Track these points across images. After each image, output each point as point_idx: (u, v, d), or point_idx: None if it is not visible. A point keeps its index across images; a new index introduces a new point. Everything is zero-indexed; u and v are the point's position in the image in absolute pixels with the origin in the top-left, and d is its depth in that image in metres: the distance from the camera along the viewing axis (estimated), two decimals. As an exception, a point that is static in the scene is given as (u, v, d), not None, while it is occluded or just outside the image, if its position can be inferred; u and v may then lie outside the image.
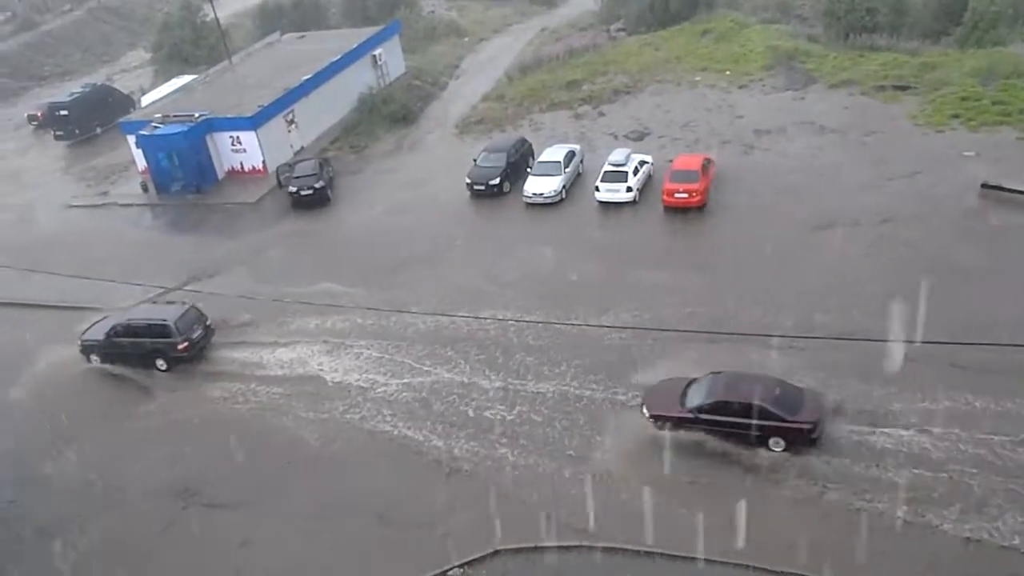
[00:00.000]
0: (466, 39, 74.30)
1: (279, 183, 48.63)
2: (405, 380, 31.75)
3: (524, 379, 30.66)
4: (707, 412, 26.16)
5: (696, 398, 26.63)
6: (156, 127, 50.90)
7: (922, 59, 50.95)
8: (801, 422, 25.27)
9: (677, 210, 39.54)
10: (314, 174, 46.93)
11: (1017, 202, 35.67)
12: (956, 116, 43.74)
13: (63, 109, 62.78)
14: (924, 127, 43.65)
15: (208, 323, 35.44)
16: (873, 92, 48.13)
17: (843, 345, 28.09)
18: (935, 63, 50.09)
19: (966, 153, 40.39)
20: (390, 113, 56.34)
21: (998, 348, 26.00)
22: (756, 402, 25.44)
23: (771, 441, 25.53)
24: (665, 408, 26.92)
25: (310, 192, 46.42)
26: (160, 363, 34.50)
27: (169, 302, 37.46)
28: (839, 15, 57.00)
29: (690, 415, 26.39)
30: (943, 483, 23.66)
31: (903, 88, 47.92)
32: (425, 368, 32.16)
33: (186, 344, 33.94)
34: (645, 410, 27.25)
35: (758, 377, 26.95)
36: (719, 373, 27.35)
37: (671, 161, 41.81)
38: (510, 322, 33.05)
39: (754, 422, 25.39)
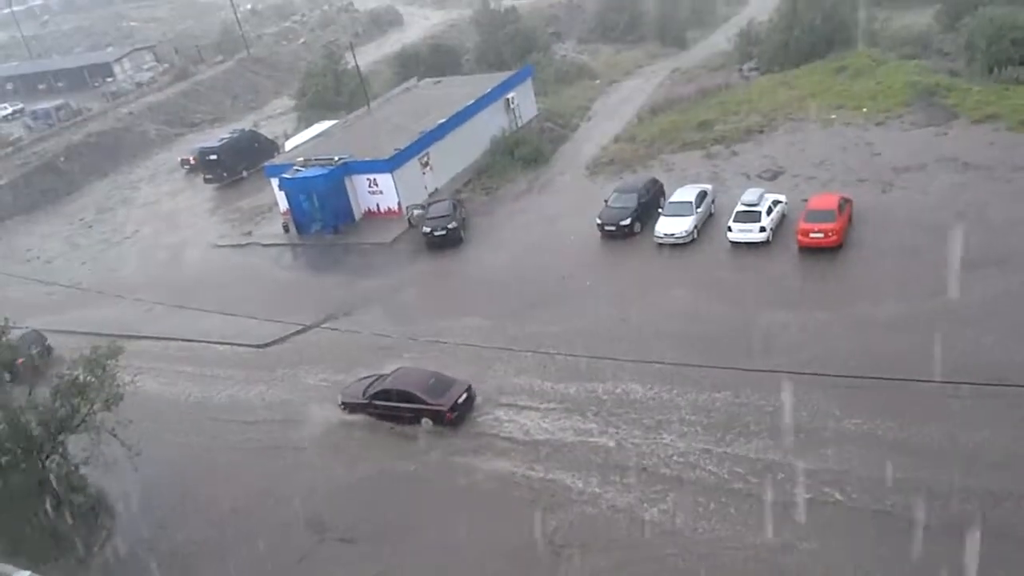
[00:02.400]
0: (597, 82, 75.01)
1: (409, 223, 49.99)
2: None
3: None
4: (376, 399, 33.50)
5: (372, 388, 33.79)
6: (298, 170, 52.98)
7: (1074, 92, 48.80)
8: (440, 405, 32.20)
9: (813, 250, 38.76)
10: (448, 215, 48.03)
11: None
12: (1113, 151, 41.72)
13: (213, 154, 66.09)
14: (1076, 162, 41.77)
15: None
16: (1020, 127, 46.24)
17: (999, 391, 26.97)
18: (1089, 96, 47.90)
19: (1126, 190, 38.41)
20: (522, 155, 57.23)
21: None
22: (408, 390, 32.93)
23: (423, 420, 32.68)
24: (351, 397, 34.33)
25: (443, 232, 47.48)
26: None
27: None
28: (982, 48, 55.19)
29: (365, 401, 33.63)
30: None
31: (1052, 122, 45.97)
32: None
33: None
34: (340, 398, 34.60)
35: (423, 371, 34.13)
36: (398, 368, 34.59)
37: (806, 200, 41.11)
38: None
39: (405, 405, 32.84)
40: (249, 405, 37.40)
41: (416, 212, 50.56)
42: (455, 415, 32.36)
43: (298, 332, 41.58)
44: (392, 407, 33.18)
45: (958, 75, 55.59)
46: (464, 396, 32.83)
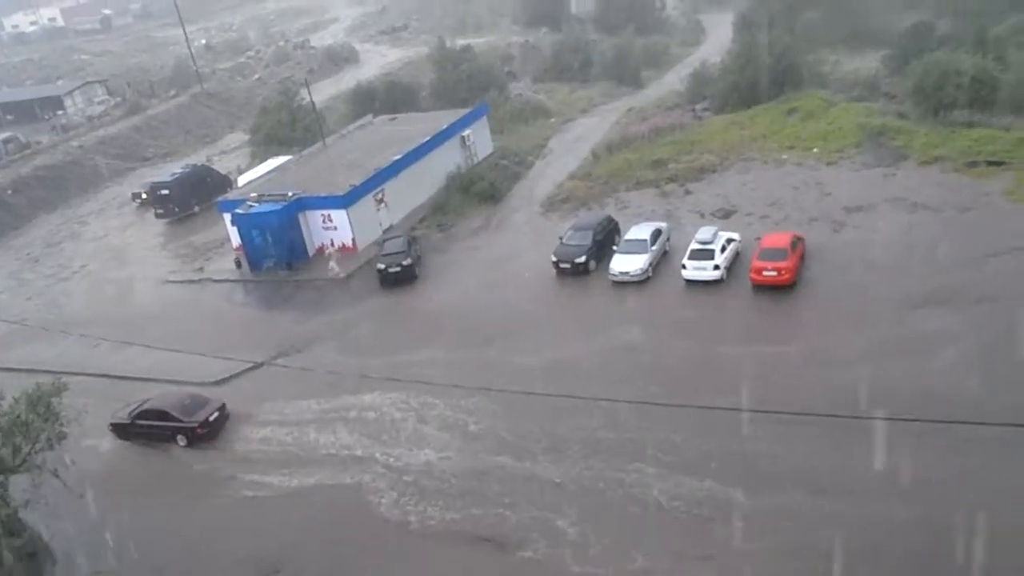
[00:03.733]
0: (553, 120, 75.46)
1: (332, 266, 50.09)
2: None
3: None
4: (138, 419, 36.28)
5: (136, 410, 36.55)
6: (251, 206, 52.50)
7: (1016, 134, 49.95)
8: (192, 422, 35.41)
9: (766, 288, 39.08)
10: (402, 251, 47.79)
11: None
12: (1055, 192, 42.70)
13: (164, 188, 65.26)
14: (1020, 203, 42.60)
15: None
16: (966, 168, 47.30)
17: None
18: (1030, 138, 49.12)
19: (1067, 231, 39.27)
20: (477, 192, 57.24)
21: None
22: (164, 409, 35.94)
23: (178, 437, 35.72)
24: (119, 419, 36.85)
25: (398, 269, 47.20)
26: None
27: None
28: (928, 92, 56.41)
29: (129, 422, 36.36)
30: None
31: (997, 164, 47.00)
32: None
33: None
34: (110, 420, 36.99)
35: (182, 392, 37.32)
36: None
37: (759, 239, 41.52)
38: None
39: (161, 424, 35.86)
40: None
41: (332, 253, 50.43)
42: (205, 431, 35.66)
43: (250, 369, 40.96)
44: (150, 426, 36.20)
45: (906, 118, 56.69)
46: (216, 414, 36.12)
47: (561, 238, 46.02)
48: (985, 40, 67.65)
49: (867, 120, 55.98)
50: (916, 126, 54.19)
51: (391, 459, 32.63)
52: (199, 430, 35.62)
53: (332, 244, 52.50)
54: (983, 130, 51.49)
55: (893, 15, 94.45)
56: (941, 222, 42.56)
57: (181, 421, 35.67)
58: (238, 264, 53.24)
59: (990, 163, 47.19)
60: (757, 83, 65.26)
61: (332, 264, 49.63)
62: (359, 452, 33.50)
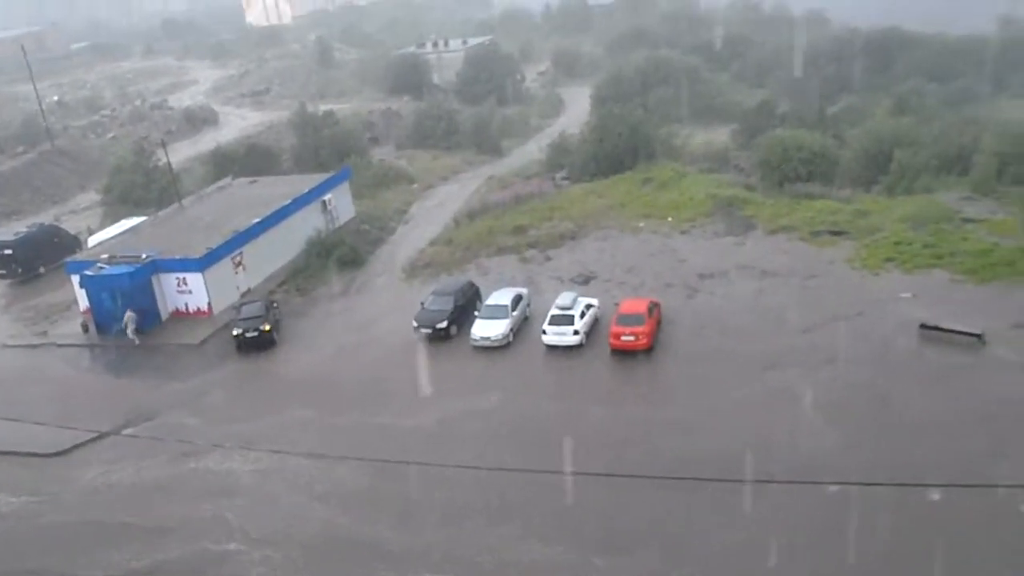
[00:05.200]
0: (415, 186, 75.80)
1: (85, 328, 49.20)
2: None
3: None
4: None
5: None
6: (102, 267, 50.63)
7: (855, 206, 53.13)
8: None
9: (624, 353, 39.87)
10: (260, 316, 46.79)
11: (954, 342, 36.67)
12: (891, 259, 45.31)
13: (7, 248, 62.22)
14: (861, 270, 45.06)
15: None
16: (810, 237, 49.75)
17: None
18: (867, 210, 52.32)
19: (903, 295, 41.62)
20: (338, 256, 56.67)
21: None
22: None
23: None
24: None
25: (255, 334, 46.16)
26: None
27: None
28: (773, 165, 59.42)
29: None
30: None
31: (838, 233, 49.67)
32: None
33: None
34: None
35: None
36: None
37: (617, 304, 42.42)
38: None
39: None
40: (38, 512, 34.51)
41: (130, 316, 48.96)
42: None
43: (94, 439, 39.06)
44: None
45: (754, 189, 59.46)
46: None
47: (422, 303, 45.95)
48: (824, 118, 72.15)
49: (718, 191, 58.33)
50: (763, 197, 56.91)
51: (240, 527, 31.56)
52: None
53: (187, 308, 51.07)
54: (825, 201, 54.50)
55: (740, 93, 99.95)
56: (789, 288, 44.48)
57: None
58: (85, 328, 51.03)
59: (832, 233, 49.80)
60: (614, 154, 67.37)
61: (129, 332, 48.52)
62: (206, 517, 32.29)
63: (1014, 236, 45.67)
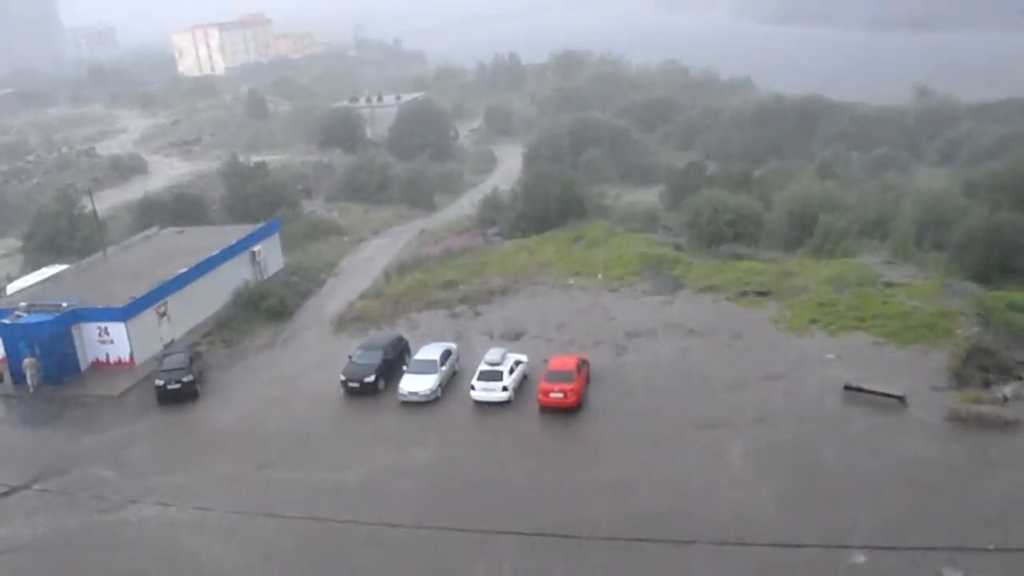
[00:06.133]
0: (346, 239, 75.61)
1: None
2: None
3: None
4: None
5: None
6: (19, 315, 49.25)
7: (780, 267, 54.20)
8: None
9: (552, 410, 39.79)
10: (183, 368, 45.80)
11: (877, 403, 37.33)
12: (815, 321, 46.10)
13: (-82, 297, 60.30)
14: (786, 331, 45.76)
15: None
16: (736, 297, 50.49)
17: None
18: (792, 271, 53.36)
19: (828, 356, 42.34)
20: (266, 308, 55.96)
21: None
22: None
23: None
24: None
25: (177, 386, 45.14)
26: None
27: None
28: (701, 226, 60.51)
29: None
30: None
31: (764, 294, 50.52)
32: None
33: None
34: None
35: None
36: None
37: (546, 361, 42.47)
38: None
39: None
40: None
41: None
42: None
43: (3, 494, 37.60)
44: None
45: (682, 249, 60.36)
46: None
47: (351, 357, 45.48)
48: (749, 181, 73.94)
49: (647, 250, 59.12)
50: (691, 257, 57.73)
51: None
52: None
53: (108, 358, 49.83)
54: (751, 262, 55.51)
55: (668, 155, 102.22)
56: (716, 347, 44.97)
57: None
58: (0, 378, 49.48)
59: (758, 293, 50.66)
60: (545, 211, 68.06)
61: (28, 378, 47.50)
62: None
63: (932, 300, 46.93)
